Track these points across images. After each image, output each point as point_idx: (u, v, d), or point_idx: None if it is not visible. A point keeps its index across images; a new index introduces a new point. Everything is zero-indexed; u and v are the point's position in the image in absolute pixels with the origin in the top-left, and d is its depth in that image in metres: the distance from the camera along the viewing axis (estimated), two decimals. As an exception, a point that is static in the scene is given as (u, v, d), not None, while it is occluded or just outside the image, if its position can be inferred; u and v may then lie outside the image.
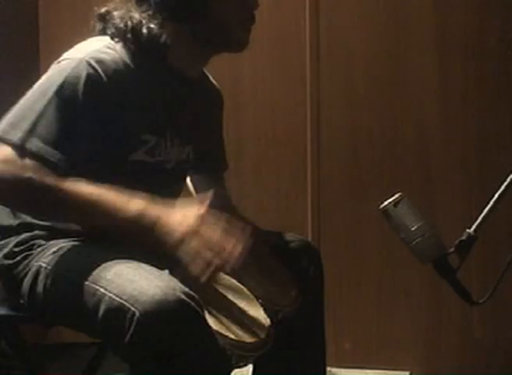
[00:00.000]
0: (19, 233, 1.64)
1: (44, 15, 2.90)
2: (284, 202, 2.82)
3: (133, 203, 1.47)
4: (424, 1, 2.70)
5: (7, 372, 2.30)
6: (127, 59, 1.59)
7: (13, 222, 1.65)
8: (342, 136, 2.78)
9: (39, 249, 1.60)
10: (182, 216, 1.46)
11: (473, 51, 2.67)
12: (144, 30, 1.60)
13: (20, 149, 1.46)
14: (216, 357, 1.41)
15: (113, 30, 1.62)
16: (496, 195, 1.54)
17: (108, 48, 1.59)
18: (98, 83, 1.52)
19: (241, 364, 1.51)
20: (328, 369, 1.86)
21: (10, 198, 1.49)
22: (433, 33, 2.70)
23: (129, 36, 1.61)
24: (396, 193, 1.54)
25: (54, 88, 1.51)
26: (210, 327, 1.41)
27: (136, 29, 1.61)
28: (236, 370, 1.51)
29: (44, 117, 1.49)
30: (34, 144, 1.47)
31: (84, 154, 1.53)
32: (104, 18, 1.65)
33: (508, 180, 1.54)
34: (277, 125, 2.82)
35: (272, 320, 1.56)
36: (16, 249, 1.62)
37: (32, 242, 1.62)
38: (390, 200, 1.53)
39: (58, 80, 1.51)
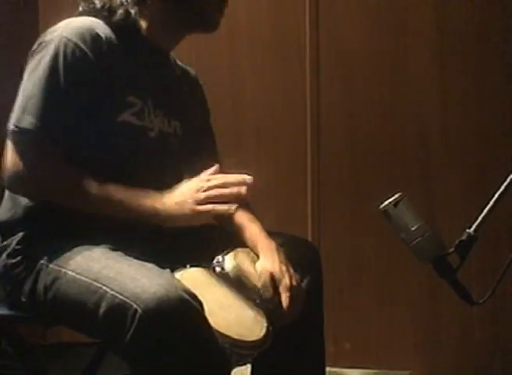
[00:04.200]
0: (19, 231, 1.64)
1: (45, 13, 2.92)
2: (284, 202, 2.82)
3: (143, 197, 1.57)
4: (424, 1, 2.70)
5: (7, 372, 2.29)
6: (104, 30, 1.66)
7: (13, 215, 1.66)
8: (342, 136, 2.78)
9: (40, 248, 1.61)
10: (184, 189, 1.59)
11: (473, 50, 2.67)
12: (120, 11, 1.69)
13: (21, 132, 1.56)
14: (216, 356, 1.42)
15: (89, 8, 1.72)
16: (496, 195, 1.54)
17: (85, 19, 1.67)
18: (79, 55, 1.59)
19: (240, 363, 1.51)
20: (328, 369, 1.85)
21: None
22: (433, 33, 2.70)
23: (103, 14, 1.69)
24: (396, 193, 1.54)
25: (41, 70, 1.58)
26: (210, 326, 1.42)
27: (112, 10, 1.69)
28: (235, 369, 1.52)
29: (34, 96, 1.57)
30: (28, 121, 1.55)
31: (75, 121, 1.59)
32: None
33: (508, 180, 1.53)
34: (277, 125, 2.82)
35: (270, 319, 1.57)
36: (18, 247, 1.62)
37: (34, 241, 1.62)
38: (390, 200, 1.53)
39: (45, 62, 1.59)
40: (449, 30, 2.69)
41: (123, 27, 1.70)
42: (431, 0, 2.70)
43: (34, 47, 1.65)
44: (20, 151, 1.57)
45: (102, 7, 1.70)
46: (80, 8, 1.74)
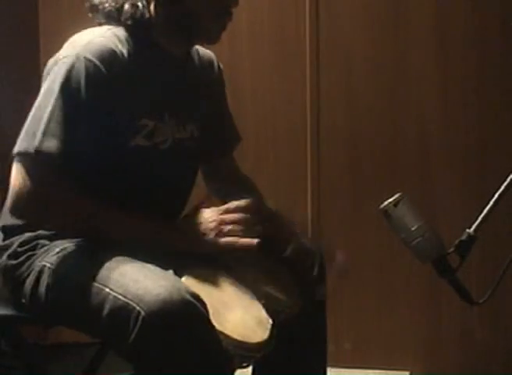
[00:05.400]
0: (22, 233, 1.64)
1: (44, 13, 2.91)
2: (284, 202, 2.82)
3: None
4: (424, 0, 2.70)
5: (7, 372, 2.29)
6: (119, 45, 1.62)
7: (17, 221, 1.65)
8: (342, 136, 2.78)
9: (42, 249, 1.61)
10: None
11: (473, 50, 2.67)
12: (127, 6, 1.64)
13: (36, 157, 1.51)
14: (219, 357, 1.42)
15: (101, 15, 1.68)
16: (496, 195, 1.54)
17: (101, 37, 1.62)
18: (98, 76, 1.55)
19: (244, 364, 1.51)
20: (328, 369, 1.85)
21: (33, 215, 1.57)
22: (433, 33, 2.69)
23: (114, 15, 1.65)
24: (396, 193, 1.54)
25: (57, 91, 1.53)
26: (214, 327, 1.42)
27: (120, 7, 1.65)
28: (237, 371, 1.52)
29: (54, 118, 1.52)
30: (53, 144, 1.50)
31: (89, 145, 1.55)
32: (97, 8, 1.69)
33: (508, 180, 1.53)
34: (277, 125, 2.82)
35: (273, 321, 1.57)
36: (20, 249, 1.62)
37: (36, 242, 1.62)
38: (390, 200, 1.53)
39: (60, 82, 1.54)
40: (449, 30, 2.68)
41: (135, 31, 1.66)
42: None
43: (49, 65, 1.61)
44: (39, 175, 1.51)
45: (110, 7, 1.66)
46: (92, 17, 1.70)
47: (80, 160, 1.54)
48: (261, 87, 2.82)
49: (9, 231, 1.66)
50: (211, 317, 1.42)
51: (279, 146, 2.82)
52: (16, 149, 1.53)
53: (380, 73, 2.74)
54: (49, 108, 1.53)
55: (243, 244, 1.56)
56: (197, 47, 1.84)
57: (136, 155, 1.64)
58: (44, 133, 1.51)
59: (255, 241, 1.56)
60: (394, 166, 2.74)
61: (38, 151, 1.50)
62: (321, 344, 1.80)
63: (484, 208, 1.54)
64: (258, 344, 1.50)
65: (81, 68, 1.54)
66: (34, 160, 1.51)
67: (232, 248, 1.56)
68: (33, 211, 1.54)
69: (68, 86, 1.54)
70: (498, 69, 2.66)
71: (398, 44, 2.72)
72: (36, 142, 1.50)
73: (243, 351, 1.47)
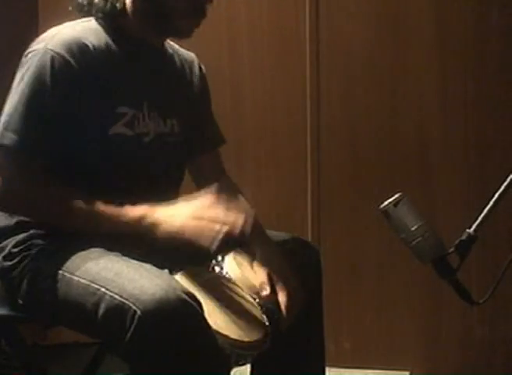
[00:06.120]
0: (16, 234, 1.64)
1: (44, 13, 2.92)
2: (284, 202, 2.82)
3: (133, 210, 1.53)
4: (424, 0, 2.70)
5: (7, 372, 2.29)
6: (90, 36, 1.63)
7: (10, 222, 1.65)
8: (342, 136, 2.78)
9: (37, 249, 1.60)
10: (182, 207, 1.54)
11: (473, 50, 2.67)
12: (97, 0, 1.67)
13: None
14: (215, 356, 1.42)
15: (75, 9, 1.72)
16: (496, 195, 1.54)
17: (70, 28, 1.64)
18: (65, 67, 1.57)
19: (240, 363, 1.51)
20: (328, 369, 1.85)
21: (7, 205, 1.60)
22: (433, 33, 2.69)
23: (86, 9, 1.69)
24: (396, 193, 1.54)
25: (23, 84, 1.56)
26: (209, 326, 1.42)
27: (91, 1, 1.69)
28: (234, 369, 1.52)
29: (17, 112, 1.55)
30: (9, 138, 1.53)
31: (65, 136, 1.57)
32: (73, 2, 1.73)
33: (508, 180, 1.53)
34: (277, 125, 2.82)
35: (269, 319, 1.57)
36: (15, 250, 1.62)
37: (30, 242, 1.62)
38: (390, 200, 1.53)
39: (28, 76, 1.57)
40: (449, 30, 2.68)
41: (108, 23, 1.68)
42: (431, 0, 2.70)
43: (22, 58, 1.63)
44: (1, 167, 1.56)
45: (84, 4, 1.69)
46: (70, 8, 1.74)
47: (54, 152, 1.56)
48: (261, 87, 2.82)
49: (3, 232, 1.66)
50: (207, 316, 1.42)
51: (279, 146, 2.82)
52: None
53: (380, 73, 2.74)
54: (13, 103, 1.56)
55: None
56: (178, 47, 1.86)
57: (119, 144, 1.64)
58: (5, 128, 1.55)
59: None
60: (394, 166, 2.74)
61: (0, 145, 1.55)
62: (319, 342, 1.80)
63: (484, 208, 1.54)
64: (254, 342, 1.50)
65: (47, 60, 1.56)
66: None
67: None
68: (5, 204, 1.59)
69: (34, 79, 1.56)
70: (498, 68, 2.66)
71: (398, 44, 2.72)
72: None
73: (239, 350, 1.47)
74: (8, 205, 1.60)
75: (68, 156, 1.60)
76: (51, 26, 1.66)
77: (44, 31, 1.66)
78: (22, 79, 1.58)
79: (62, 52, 1.57)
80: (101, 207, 1.53)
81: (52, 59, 1.56)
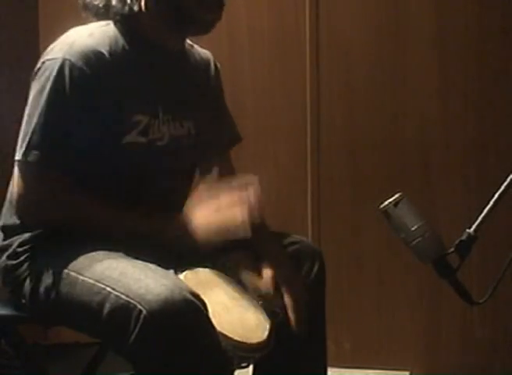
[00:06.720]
0: (22, 233, 1.64)
1: (44, 13, 2.91)
2: (284, 202, 2.82)
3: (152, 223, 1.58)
4: (424, 0, 2.70)
5: (7, 372, 2.29)
6: (108, 43, 1.62)
7: (16, 220, 1.65)
8: (342, 136, 2.78)
9: (42, 249, 1.61)
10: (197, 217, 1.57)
11: (473, 50, 2.67)
12: (114, 2, 1.65)
13: (27, 164, 1.56)
14: (218, 357, 1.42)
15: (90, 13, 1.69)
16: (496, 195, 1.54)
17: (89, 35, 1.62)
18: (83, 79, 1.57)
19: (243, 365, 1.51)
20: (328, 369, 1.85)
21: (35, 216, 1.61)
22: (433, 33, 2.70)
23: (102, 12, 1.67)
24: (396, 193, 1.54)
25: (43, 98, 1.56)
26: (214, 327, 1.42)
27: (107, 3, 1.66)
28: (237, 371, 1.52)
29: (40, 127, 1.55)
30: (34, 155, 1.55)
31: (81, 146, 1.57)
32: (87, 6, 1.70)
33: (508, 180, 1.53)
34: (277, 124, 2.82)
35: (272, 321, 1.57)
36: (19, 249, 1.62)
37: (35, 242, 1.62)
38: (390, 200, 1.53)
39: (47, 88, 1.57)
40: (449, 30, 2.69)
41: (126, 27, 1.66)
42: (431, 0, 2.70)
43: (38, 65, 1.62)
44: (26, 182, 1.57)
45: (100, 7, 1.67)
46: (84, 15, 1.71)
47: (74, 163, 1.57)
48: (261, 86, 2.82)
49: (9, 231, 1.66)
50: (211, 317, 1.42)
51: (279, 146, 2.82)
52: (16, 156, 1.59)
53: (380, 73, 2.74)
54: (35, 118, 1.56)
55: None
56: (195, 46, 1.84)
57: (132, 152, 1.64)
58: (28, 146, 1.55)
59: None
60: (394, 166, 2.74)
61: (24, 162, 1.56)
62: (321, 343, 1.80)
63: (484, 208, 1.54)
64: (257, 344, 1.50)
65: (66, 72, 1.56)
66: (23, 168, 1.58)
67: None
68: (30, 215, 1.61)
69: (54, 91, 1.56)
70: (498, 69, 2.66)
71: (398, 44, 2.72)
72: (21, 153, 1.56)
73: (242, 352, 1.47)
74: (33, 217, 1.61)
75: (86, 167, 1.60)
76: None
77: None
78: (41, 91, 1.57)
79: (80, 63, 1.57)
80: (127, 220, 1.57)
81: (71, 71, 1.56)
